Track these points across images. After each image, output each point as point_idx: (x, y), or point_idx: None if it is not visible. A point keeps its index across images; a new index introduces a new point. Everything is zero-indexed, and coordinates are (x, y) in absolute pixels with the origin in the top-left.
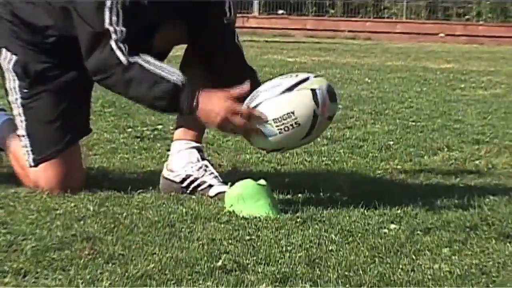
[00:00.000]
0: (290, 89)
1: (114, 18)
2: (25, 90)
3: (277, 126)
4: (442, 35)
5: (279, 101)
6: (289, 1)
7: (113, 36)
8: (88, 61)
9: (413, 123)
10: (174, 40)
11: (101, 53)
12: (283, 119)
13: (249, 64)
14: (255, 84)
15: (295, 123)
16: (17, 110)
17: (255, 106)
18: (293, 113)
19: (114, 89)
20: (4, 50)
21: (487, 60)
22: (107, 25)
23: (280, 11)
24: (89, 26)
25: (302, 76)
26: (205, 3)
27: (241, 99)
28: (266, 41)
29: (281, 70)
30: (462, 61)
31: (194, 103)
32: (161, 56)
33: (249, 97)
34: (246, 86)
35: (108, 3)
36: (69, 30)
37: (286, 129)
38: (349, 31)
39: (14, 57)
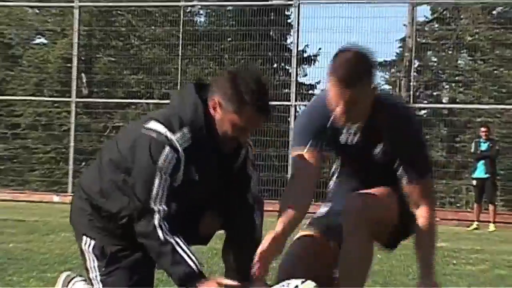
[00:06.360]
0: None
1: (159, 197)
2: (103, 269)
3: None
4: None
5: None
6: None
7: (156, 215)
8: (135, 226)
9: None
10: (215, 227)
11: (146, 227)
12: None
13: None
14: None
15: None
16: (97, 286)
17: None
18: None
19: (148, 251)
20: (84, 236)
21: (474, 240)
22: (152, 204)
23: None
24: (137, 199)
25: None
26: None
27: None
28: None
29: None
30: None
31: None
32: (203, 239)
33: None
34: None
35: (157, 183)
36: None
37: None
38: None
39: (93, 242)
